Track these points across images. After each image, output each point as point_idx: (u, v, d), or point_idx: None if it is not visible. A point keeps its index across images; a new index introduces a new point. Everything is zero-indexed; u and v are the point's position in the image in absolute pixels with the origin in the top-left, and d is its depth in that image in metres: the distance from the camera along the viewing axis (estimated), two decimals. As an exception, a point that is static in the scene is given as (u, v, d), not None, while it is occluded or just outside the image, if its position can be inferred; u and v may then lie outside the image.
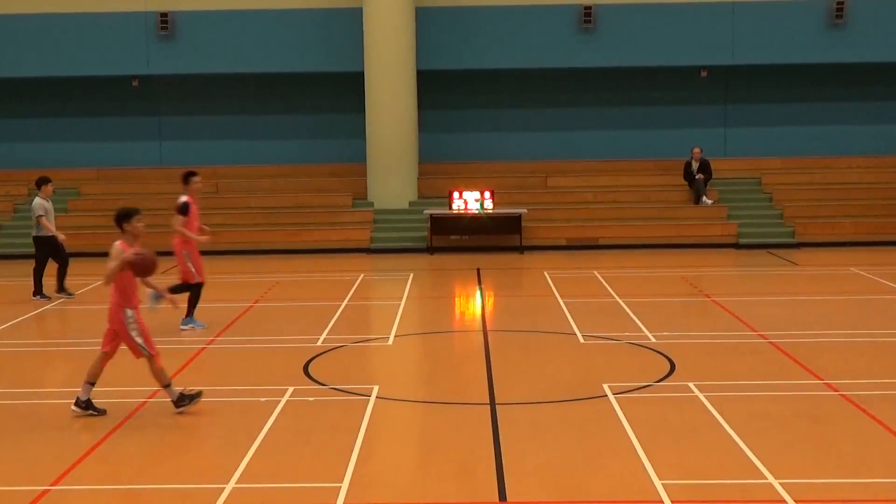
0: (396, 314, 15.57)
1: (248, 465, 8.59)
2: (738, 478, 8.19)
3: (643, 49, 24.85)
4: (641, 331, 13.90)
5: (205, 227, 14.76)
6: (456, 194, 23.16)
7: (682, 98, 26.12)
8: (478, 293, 18.09)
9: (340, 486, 8.03)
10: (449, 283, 19.60)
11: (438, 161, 25.89)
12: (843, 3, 24.44)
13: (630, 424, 9.55)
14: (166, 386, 10.13)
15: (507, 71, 25.68)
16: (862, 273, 18.90)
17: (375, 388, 10.99)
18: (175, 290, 13.84)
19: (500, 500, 7.79)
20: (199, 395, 10.25)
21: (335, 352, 13.00)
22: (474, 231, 23.22)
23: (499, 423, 9.70)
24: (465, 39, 25.02)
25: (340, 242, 23.34)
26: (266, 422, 9.78)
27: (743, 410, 9.99)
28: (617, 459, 8.64)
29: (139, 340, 10.02)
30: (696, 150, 24.50)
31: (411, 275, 19.66)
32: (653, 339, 13.33)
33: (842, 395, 10.57)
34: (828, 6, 24.55)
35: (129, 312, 10.01)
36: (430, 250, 23.13)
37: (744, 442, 8.99)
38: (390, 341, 13.76)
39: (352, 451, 8.86)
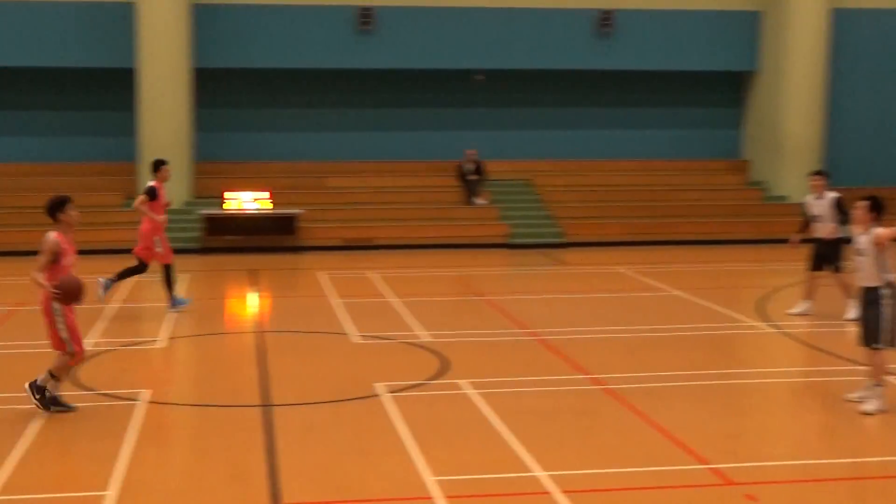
0: (170, 316, 15.23)
1: (9, 477, 8.24)
2: (507, 472, 8.42)
3: (419, 51, 25.16)
4: (414, 330, 14.08)
5: (168, 202, 15.93)
6: (229, 194, 22.88)
7: (457, 101, 26.59)
8: (253, 294, 17.93)
9: (106, 495, 7.80)
10: (224, 285, 19.34)
11: (216, 160, 25.48)
12: (610, 12, 25.43)
13: (403, 422, 9.67)
14: (53, 377, 9.88)
15: (286, 70, 25.53)
16: (626, 272, 19.73)
17: (146, 393, 10.74)
18: (122, 275, 15.34)
19: (273, 502, 7.75)
20: (71, 408, 10.00)
21: (103, 356, 12.62)
22: (250, 231, 22.99)
23: (274, 425, 9.65)
24: (243, 37, 24.72)
25: (111, 243, 22.61)
26: (26, 430, 9.40)
27: (512, 406, 10.27)
28: (390, 457, 8.74)
29: (64, 335, 9.71)
30: (470, 151, 25.01)
31: (186, 276, 19.28)
32: (426, 338, 13.53)
33: (605, 390, 11.02)
34: (596, 15, 25.49)
35: (57, 307, 9.64)
36: (205, 251, 22.75)
37: (513, 437, 9.25)
38: (163, 344, 13.46)
39: (119, 458, 8.63)
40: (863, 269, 10.27)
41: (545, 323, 14.60)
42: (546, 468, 8.42)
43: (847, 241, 14.30)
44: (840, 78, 25.99)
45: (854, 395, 10.47)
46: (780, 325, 14.73)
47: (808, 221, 15.31)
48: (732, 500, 7.95)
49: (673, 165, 26.81)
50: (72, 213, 9.89)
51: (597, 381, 11.35)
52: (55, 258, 9.66)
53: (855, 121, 26.42)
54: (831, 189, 15.24)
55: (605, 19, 25.42)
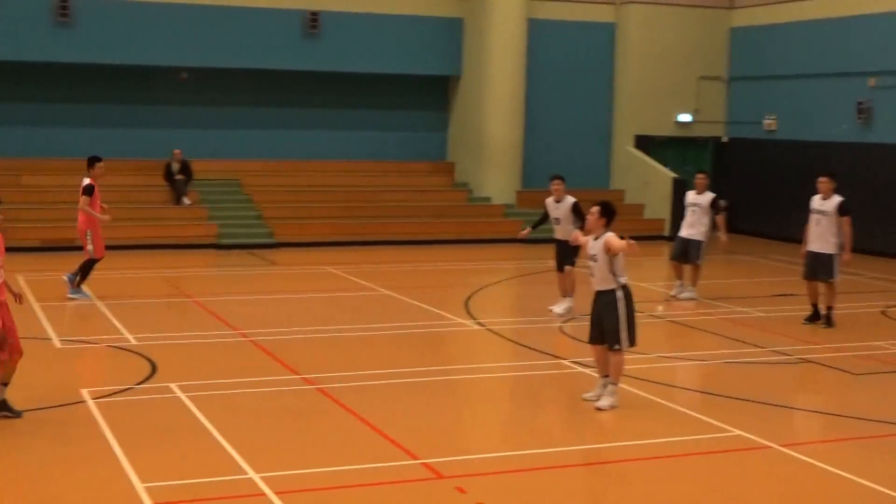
0: None
1: None
2: (221, 475, 8.32)
3: (122, 46, 24.25)
4: (122, 333, 13.64)
5: (105, 205, 16.33)
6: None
7: (163, 98, 25.92)
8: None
9: None
10: None
11: None
12: (317, 14, 25.49)
13: (110, 429, 9.36)
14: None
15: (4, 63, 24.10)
16: (336, 272, 19.85)
17: None
18: (84, 268, 16.01)
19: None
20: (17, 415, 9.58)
21: None
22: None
23: (-32, 437, 9.11)
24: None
25: None
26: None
27: (225, 408, 10.15)
28: (97, 465, 8.44)
29: None
30: (177, 151, 24.45)
31: None
32: (133, 342, 13.13)
33: (318, 389, 11.06)
34: (303, 16, 25.49)
35: None
36: None
37: (226, 439, 9.14)
38: None
39: None
40: (596, 274, 10.51)
41: (256, 324, 14.48)
42: (260, 470, 8.37)
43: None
44: (535, 84, 27.15)
45: (590, 395, 10.73)
46: (486, 322, 15.24)
47: (542, 221, 16.02)
48: (443, 494, 8.18)
49: (381, 167, 27.20)
50: None
51: (309, 381, 11.37)
52: None
53: (549, 125, 27.65)
54: (570, 193, 15.76)
55: (313, 20, 25.47)
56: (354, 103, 27.23)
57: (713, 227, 17.32)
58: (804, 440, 9.96)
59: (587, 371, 12.15)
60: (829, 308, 15.11)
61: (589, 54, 27.81)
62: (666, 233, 25.58)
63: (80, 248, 16.51)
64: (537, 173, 27.14)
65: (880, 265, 21.67)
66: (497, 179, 26.39)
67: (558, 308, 15.58)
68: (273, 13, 25.39)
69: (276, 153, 26.69)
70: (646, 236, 24.41)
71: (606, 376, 10.63)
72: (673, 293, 17.42)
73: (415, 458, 8.86)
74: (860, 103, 24.10)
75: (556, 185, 15.61)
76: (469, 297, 17.17)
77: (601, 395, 10.62)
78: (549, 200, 15.76)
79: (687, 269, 17.33)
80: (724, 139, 28.32)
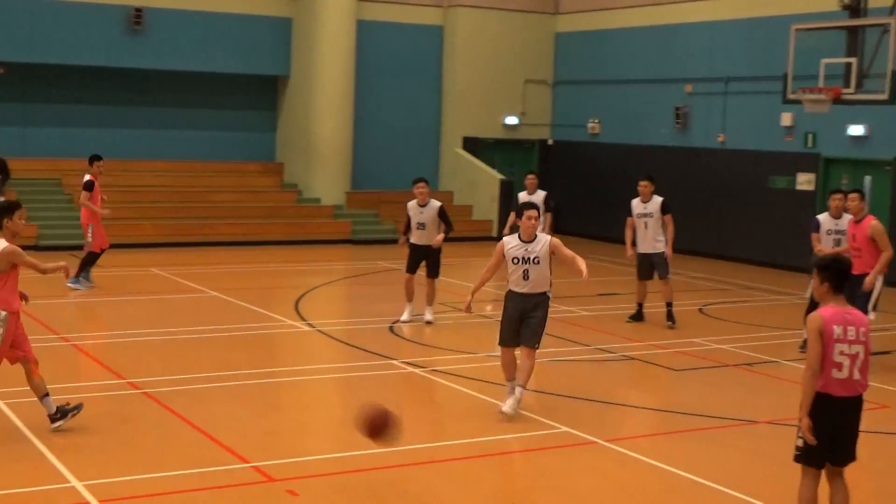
0: None
1: None
2: (42, 484, 8.06)
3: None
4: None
5: (104, 197, 17.46)
6: None
7: (-22, 94, 24.94)
8: None
9: None
10: None
11: None
12: (141, 10, 24.89)
13: (-77, 440, 8.96)
14: None
15: None
16: (162, 273, 19.45)
17: None
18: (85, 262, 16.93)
19: None
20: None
21: None
22: None
23: None
24: None
25: None
26: None
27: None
28: None
29: None
30: (-7, 148, 23.57)
31: None
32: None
33: (144, 393, 10.83)
34: (127, 12, 24.85)
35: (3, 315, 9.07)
36: None
37: (47, 447, 8.86)
38: None
39: None
40: (532, 276, 10.32)
41: (79, 327, 14.09)
42: (83, 478, 8.15)
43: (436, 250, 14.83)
44: (365, 86, 27.18)
45: (507, 407, 10.37)
46: (316, 323, 15.18)
47: (408, 227, 15.11)
48: (274, 497, 8.12)
49: (209, 167, 26.74)
50: (19, 222, 9.31)
51: (135, 385, 11.12)
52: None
53: (378, 127, 27.73)
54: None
55: (137, 16, 24.87)
56: (182, 102, 26.74)
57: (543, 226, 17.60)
58: (628, 435, 10.27)
59: (418, 371, 12.25)
60: (670, 304, 15.60)
61: (418, 56, 28.03)
62: (494, 234, 25.99)
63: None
64: (367, 174, 27.25)
65: (696, 264, 22.51)
66: (326, 180, 26.31)
67: (405, 316, 15.07)
68: (95, 8, 24.69)
69: (101, 152, 25.78)
70: (474, 237, 24.77)
71: (513, 380, 10.48)
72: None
73: (245, 461, 8.77)
74: (678, 108, 24.98)
75: (419, 189, 14.87)
76: (299, 299, 17.07)
77: (510, 397, 10.40)
78: (412, 204, 15.01)
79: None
80: (550, 142, 28.93)
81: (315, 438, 9.98)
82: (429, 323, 14.99)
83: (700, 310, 17.21)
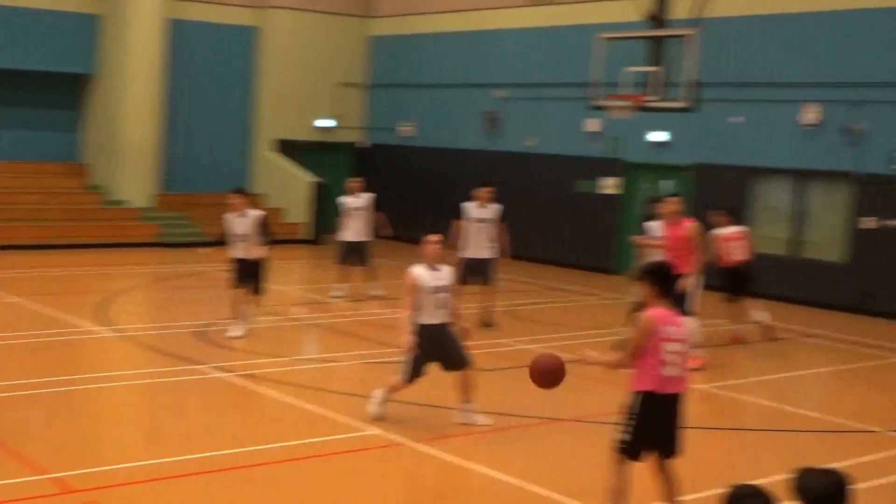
0: None
1: None
2: None
3: None
4: None
5: None
6: None
7: None
8: None
9: None
10: None
11: None
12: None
13: None
14: None
15: None
16: (-43, 278, 18.60)
17: None
18: None
19: None
20: None
21: None
22: None
23: None
24: None
25: None
26: None
27: None
28: None
29: None
30: None
31: None
32: None
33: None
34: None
35: None
36: None
37: None
38: None
39: None
40: (444, 305, 10.25)
41: None
42: None
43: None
44: (176, 86, 26.61)
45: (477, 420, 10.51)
46: (120, 328, 14.77)
47: (222, 238, 14.45)
48: (74, 508, 7.84)
49: (8, 167, 25.65)
50: None
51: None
52: None
53: (190, 128, 27.19)
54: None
55: (-69, 9, 23.76)
56: (-22, 99, 25.62)
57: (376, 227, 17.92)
58: (436, 435, 10.33)
59: (224, 376, 12.07)
60: (490, 309, 15.80)
61: (231, 57, 27.64)
62: (305, 236, 25.82)
63: None
64: (178, 177, 26.67)
65: (506, 266, 22.83)
66: (133, 182, 25.61)
67: (237, 331, 14.19)
68: None
69: None
70: (287, 240, 24.55)
71: (468, 402, 10.52)
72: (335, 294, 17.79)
73: (42, 472, 8.44)
74: (489, 113, 25.38)
75: (234, 200, 14.24)
76: (104, 303, 16.57)
77: (472, 418, 10.50)
78: (229, 216, 14.30)
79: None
80: (365, 144, 28.94)
81: (121, 446, 9.69)
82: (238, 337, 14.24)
83: (509, 311, 17.50)
